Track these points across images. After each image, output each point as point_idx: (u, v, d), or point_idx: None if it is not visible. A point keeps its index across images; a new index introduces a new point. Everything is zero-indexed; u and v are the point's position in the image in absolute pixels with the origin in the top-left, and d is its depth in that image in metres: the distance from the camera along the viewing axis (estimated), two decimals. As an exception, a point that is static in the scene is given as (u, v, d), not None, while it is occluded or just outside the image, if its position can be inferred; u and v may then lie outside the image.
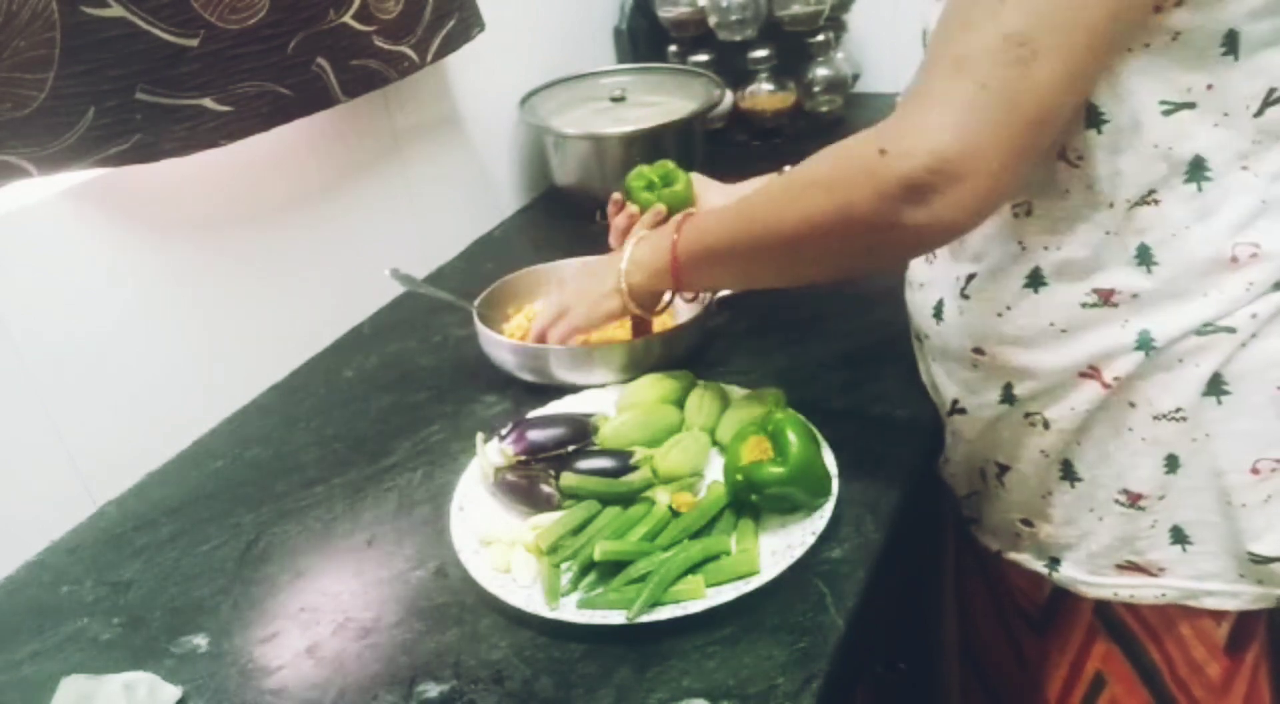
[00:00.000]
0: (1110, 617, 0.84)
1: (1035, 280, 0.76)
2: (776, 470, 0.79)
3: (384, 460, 0.99)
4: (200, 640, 0.81)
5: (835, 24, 1.61)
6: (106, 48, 0.84)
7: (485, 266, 1.34)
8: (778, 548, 0.78)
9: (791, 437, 0.80)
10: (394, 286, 1.28)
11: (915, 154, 0.65)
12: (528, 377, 1.04)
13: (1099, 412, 0.77)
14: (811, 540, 0.78)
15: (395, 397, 1.09)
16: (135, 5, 0.85)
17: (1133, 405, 0.75)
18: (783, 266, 0.82)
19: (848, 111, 1.63)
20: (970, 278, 0.81)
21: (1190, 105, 0.68)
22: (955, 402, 0.86)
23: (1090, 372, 0.75)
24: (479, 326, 1.05)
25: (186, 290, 1.03)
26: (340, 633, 0.80)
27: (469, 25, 1.24)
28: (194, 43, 0.90)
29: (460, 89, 1.35)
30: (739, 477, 0.80)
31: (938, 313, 0.85)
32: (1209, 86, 0.67)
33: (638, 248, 0.94)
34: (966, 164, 0.64)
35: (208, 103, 0.93)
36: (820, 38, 1.57)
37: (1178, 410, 0.74)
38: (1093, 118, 0.69)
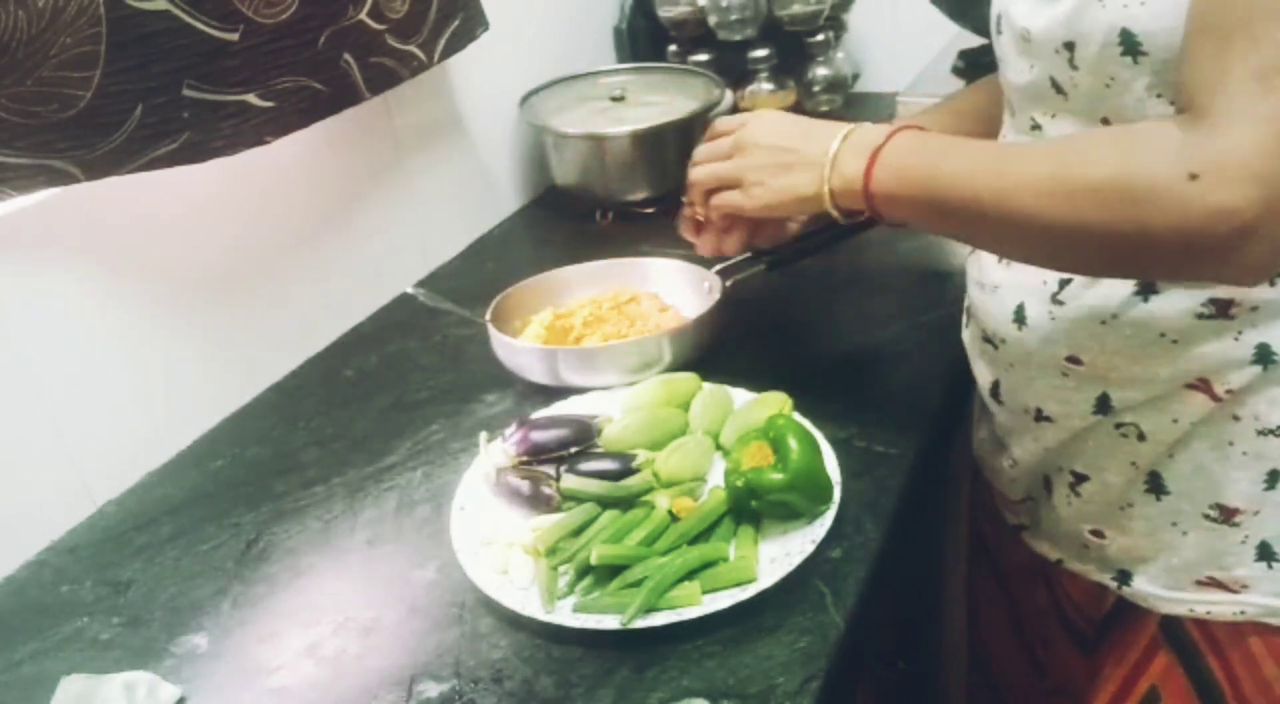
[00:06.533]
0: (1176, 632, 0.80)
1: (1147, 288, 0.71)
2: (777, 477, 0.78)
3: (384, 460, 0.99)
4: (200, 640, 0.81)
5: (835, 24, 1.61)
6: (152, 43, 0.84)
7: (485, 266, 1.35)
8: (777, 555, 0.78)
9: (793, 443, 0.79)
10: (394, 286, 1.28)
11: (1237, 182, 0.57)
12: (547, 381, 1.02)
13: (1201, 425, 0.73)
14: (811, 548, 0.78)
15: (395, 396, 1.09)
16: None
17: (1237, 419, 0.72)
18: (1020, 248, 0.72)
19: (847, 111, 1.63)
20: (1065, 283, 0.76)
21: None
22: (1039, 410, 0.82)
23: (1199, 384, 0.72)
24: (497, 335, 1.04)
25: (187, 289, 1.03)
26: (340, 633, 0.80)
27: (473, 25, 1.24)
28: (234, 37, 0.89)
29: (460, 89, 1.35)
30: (739, 483, 0.80)
31: (1019, 318, 0.80)
32: None
33: (845, 146, 0.78)
34: None
35: (252, 98, 0.93)
36: (820, 37, 1.57)
37: None
38: None
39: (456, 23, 1.20)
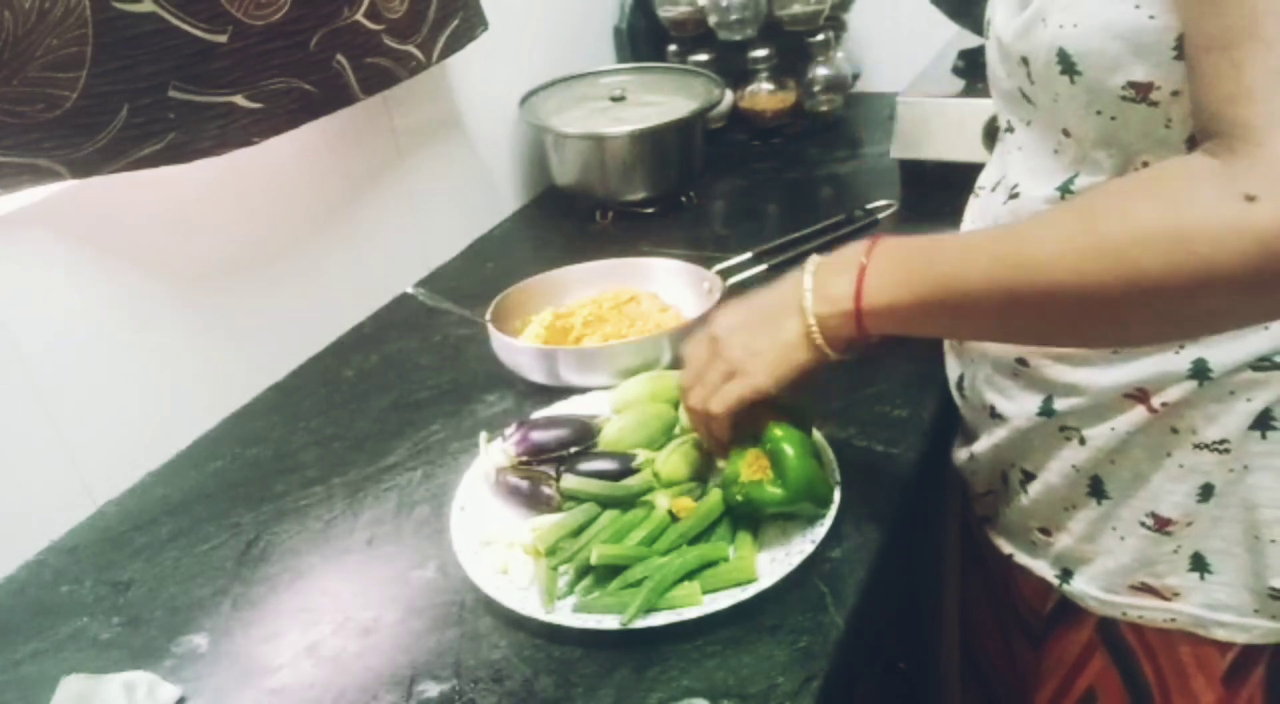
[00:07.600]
0: (1112, 634, 0.82)
1: None
2: (776, 492, 0.77)
3: (384, 460, 0.99)
4: (200, 640, 0.81)
5: (835, 24, 1.61)
6: (138, 44, 0.84)
7: (485, 266, 1.35)
8: (777, 555, 0.78)
9: (790, 455, 0.77)
10: (394, 286, 1.28)
11: None
12: (547, 381, 1.02)
13: (1139, 434, 0.74)
14: (811, 548, 0.78)
15: (395, 396, 1.09)
16: (164, 0, 0.84)
17: (1175, 432, 0.73)
18: (1059, 328, 0.65)
19: (848, 111, 1.63)
20: None
21: None
22: (993, 407, 0.84)
23: (1137, 394, 0.73)
24: (497, 335, 1.04)
25: (187, 289, 1.03)
26: (340, 633, 0.80)
27: (473, 25, 1.24)
28: (223, 39, 0.90)
29: (460, 89, 1.35)
30: (739, 497, 0.79)
31: None
32: None
33: (822, 272, 0.73)
34: None
35: (239, 100, 0.93)
36: (820, 37, 1.57)
37: (1222, 442, 0.72)
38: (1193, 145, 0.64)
39: (456, 22, 1.20)
